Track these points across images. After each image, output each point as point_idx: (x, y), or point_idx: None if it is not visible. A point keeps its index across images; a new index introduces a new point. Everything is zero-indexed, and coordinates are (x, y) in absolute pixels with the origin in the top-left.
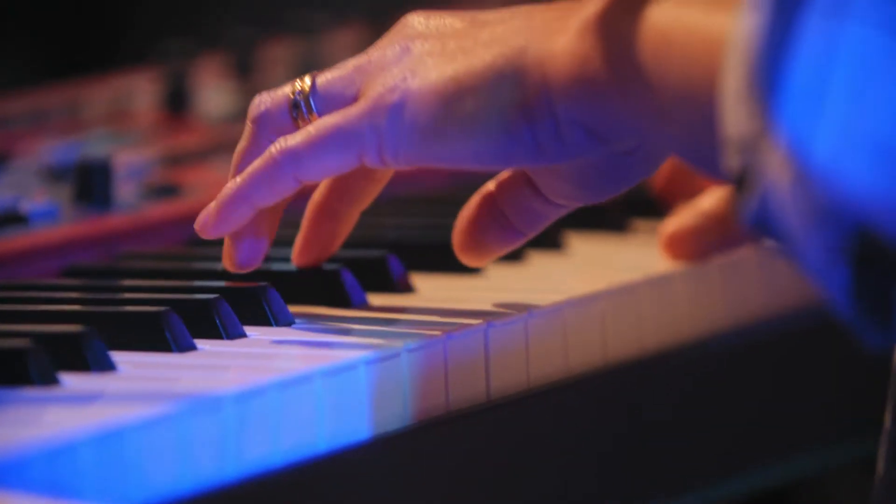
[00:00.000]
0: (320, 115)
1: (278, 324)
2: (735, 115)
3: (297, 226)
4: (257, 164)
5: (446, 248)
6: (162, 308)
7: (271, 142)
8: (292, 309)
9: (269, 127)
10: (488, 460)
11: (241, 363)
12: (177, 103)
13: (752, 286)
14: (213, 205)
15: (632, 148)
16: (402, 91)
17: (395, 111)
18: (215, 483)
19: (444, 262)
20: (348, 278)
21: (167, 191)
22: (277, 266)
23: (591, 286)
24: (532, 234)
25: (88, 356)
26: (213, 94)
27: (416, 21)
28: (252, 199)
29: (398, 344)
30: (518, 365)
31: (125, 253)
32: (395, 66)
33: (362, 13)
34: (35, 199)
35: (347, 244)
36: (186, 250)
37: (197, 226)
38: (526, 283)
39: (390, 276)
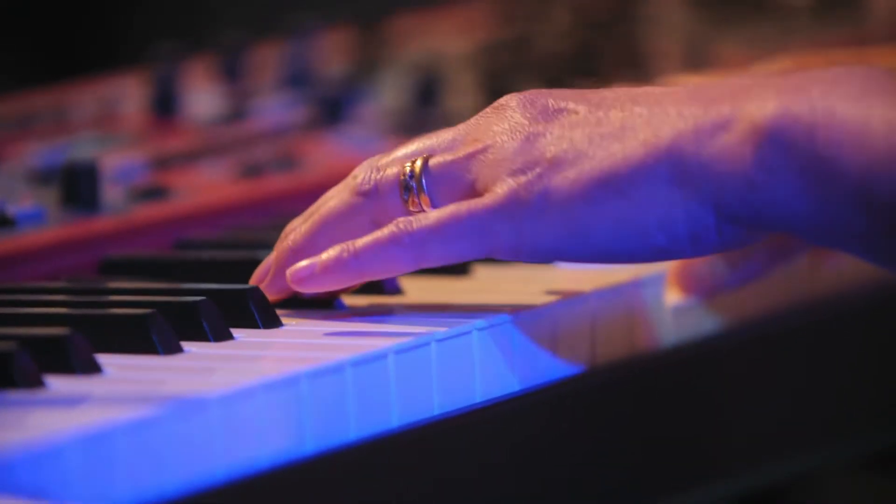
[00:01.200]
0: (430, 196)
1: (265, 326)
2: None
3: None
4: (378, 238)
5: None
6: (148, 310)
7: (371, 216)
8: (280, 311)
9: (375, 203)
10: (479, 461)
11: (227, 365)
12: (165, 106)
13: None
14: (317, 264)
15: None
16: (540, 189)
17: (535, 210)
18: (201, 485)
19: None
20: None
21: (155, 193)
22: None
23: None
24: None
25: (74, 359)
26: (201, 97)
27: (516, 105)
28: (364, 272)
29: (385, 345)
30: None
31: (112, 255)
32: (521, 158)
33: (351, 16)
34: (22, 203)
35: None
36: (174, 253)
37: (293, 278)
38: (511, 286)
39: (379, 280)
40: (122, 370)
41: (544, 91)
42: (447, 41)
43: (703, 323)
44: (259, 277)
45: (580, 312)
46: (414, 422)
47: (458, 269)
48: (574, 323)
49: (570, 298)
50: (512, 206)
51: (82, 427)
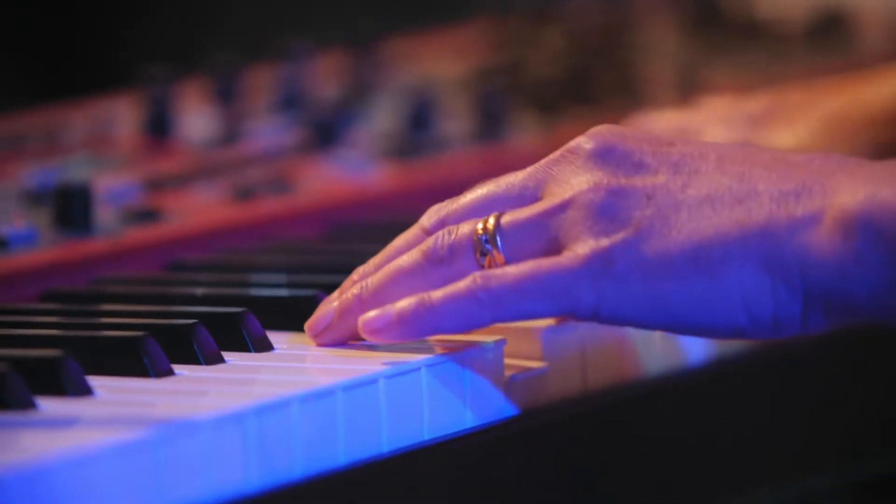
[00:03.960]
0: (506, 255)
1: (256, 349)
2: None
3: (290, 251)
4: (455, 293)
5: None
6: (140, 333)
7: (445, 276)
8: (271, 335)
9: (449, 267)
10: (469, 486)
11: (218, 389)
12: (159, 128)
13: None
14: (393, 314)
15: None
16: (626, 255)
17: (618, 276)
18: None
19: None
20: None
21: (148, 216)
22: (257, 291)
23: None
24: None
25: (65, 381)
26: (194, 119)
27: (594, 152)
28: (440, 326)
29: (376, 370)
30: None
31: (104, 278)
32: (604, 218)
33: (344, 40)
34: (14, 224)
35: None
36: (166, 275)
37: (367, 328)
38: None
39: None
40: (113, 392)
41: (617, 134)
42: (440, 65)
43: (693, 350)
44: (319, 324)
45: (571, 339)
46: (404, 447)
47: None
48: (565, 350)
49: (559, 325)
50: (595, 269)
51: (73, 449)
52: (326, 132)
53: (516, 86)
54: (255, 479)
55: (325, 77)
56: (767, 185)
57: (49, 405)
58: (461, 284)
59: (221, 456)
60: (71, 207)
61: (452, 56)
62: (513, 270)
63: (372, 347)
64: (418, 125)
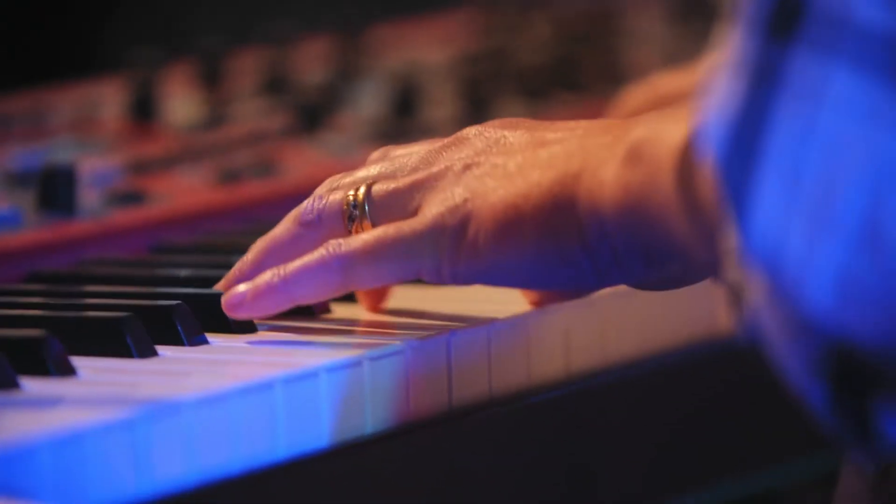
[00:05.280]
0: (374, 223)
1: (240, 331)
2: (729, 229)
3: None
4: (307, 262)
5: None
6: (123, 314)
7: (317, 243)
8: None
9: (319, 232)
10: (447, 470)
11: (201, 369)
12: (144, 112)
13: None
14: (249, 288)
15: (681, 273)
16: (462, 214)
17: (455, 234)
18: (174, 488)
19: None
20: None
21: (132, 198)
22: None
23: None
24: None
25: (48, 361)
26: (180, 103)
27: (473, 135)
28: (294, 295)
29: (360, 352)
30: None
31: (88, 259)
32: (455, 185)
33: (331, 25)
34: None
35: None
36: (150, 257)
37: (227, 304)
38: (486, 294)
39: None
40: (96, 373)
41: (504, 122)
42: (427, 51)
43: (666, 335)
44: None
45: (553, 322)
46: (385, 428)
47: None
48: (547, 333)
49: (542, 308)
50: (436, 230)
51: (55, 428)
52: (312, 116)
53: (502, 73)
54: (239, 459)
55: (311, 62)
56: (595, 139)
57: (32, 385)
58: (314, 253)
59: (204, 436)
60: (56, 189)
61: (438, 43)
62: (363, 236)
63: (357, 332)
64: (404, 111)
